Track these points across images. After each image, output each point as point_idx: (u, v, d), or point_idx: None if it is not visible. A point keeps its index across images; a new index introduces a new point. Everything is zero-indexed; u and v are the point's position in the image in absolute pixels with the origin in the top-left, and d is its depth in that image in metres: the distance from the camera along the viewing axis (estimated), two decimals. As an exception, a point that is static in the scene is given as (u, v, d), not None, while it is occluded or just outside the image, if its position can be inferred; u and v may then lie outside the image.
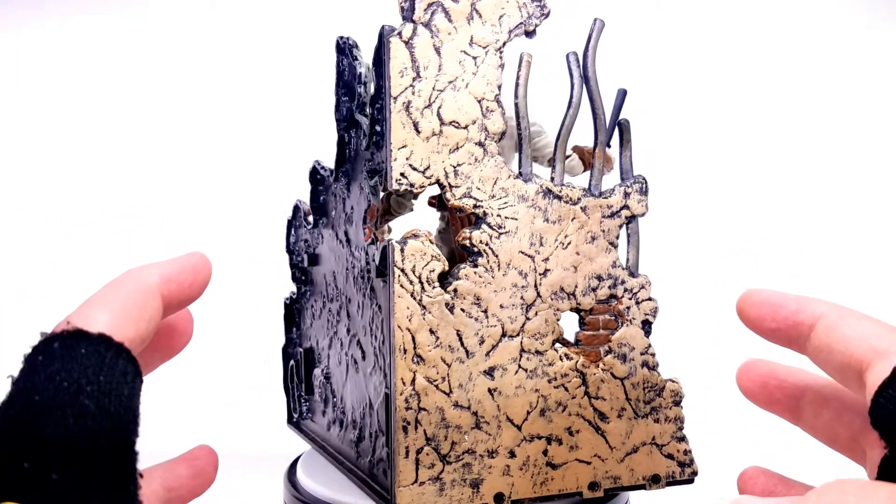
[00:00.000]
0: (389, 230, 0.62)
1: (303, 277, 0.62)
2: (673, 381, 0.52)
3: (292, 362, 0.64)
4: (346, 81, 0.53)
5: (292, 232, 0.63)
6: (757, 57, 1.06)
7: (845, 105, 1.06)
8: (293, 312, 0.64)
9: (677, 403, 0.52)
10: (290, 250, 0.63)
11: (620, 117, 0.54)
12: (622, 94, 0.66)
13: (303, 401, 0.63)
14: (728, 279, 0.97)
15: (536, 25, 0.48)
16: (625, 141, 0.52)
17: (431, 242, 0.47)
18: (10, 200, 1.09)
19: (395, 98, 0.46)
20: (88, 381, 0.27)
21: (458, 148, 0.47)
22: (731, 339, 0.64)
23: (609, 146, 0.65)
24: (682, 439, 0.52)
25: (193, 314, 0.39)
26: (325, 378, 0.59)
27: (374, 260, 0.48)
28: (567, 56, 0.50)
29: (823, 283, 0.97)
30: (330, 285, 0.57)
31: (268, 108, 1.04)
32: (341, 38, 0.53)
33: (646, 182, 0.51)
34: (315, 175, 0.59)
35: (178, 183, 1.08)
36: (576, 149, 0.60)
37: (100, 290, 0.31)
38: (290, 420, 0.64)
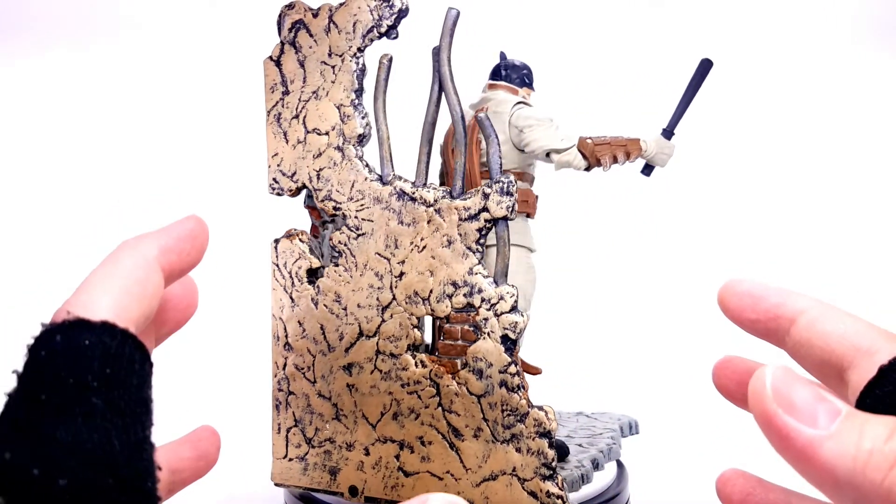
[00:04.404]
0: None
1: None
2: (540, 410, 0.45)
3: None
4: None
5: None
6: (750, 53, 1.11)
7: (833, 101, 1.13)
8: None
9: (542, 435, 0.45)
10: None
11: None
12: (705, 66, 0.56)
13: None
14: (709, 271, 0.98)
15: (391, 26, 0.48)
16: (486, 136, 0.46)
17: (303, 242, 0.51)
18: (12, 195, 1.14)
19: (269, 112, 0.51)
20: (95, 377, 0.26)
21: (320, 153, 0.50)
22: (707, 335, 0.61)
23: (672, 133, 0.57)
24: (549, 478, 0.45)
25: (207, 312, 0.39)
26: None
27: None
28: (433, 50, 0.47)
29: (806, 279, 0.96)
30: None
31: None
32: None
33: (510, 182, 0.45)
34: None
35: (206, 184, 1.07)
36: (580, 141, 0.55)
37: (97, 269, 0.29)
38: None
